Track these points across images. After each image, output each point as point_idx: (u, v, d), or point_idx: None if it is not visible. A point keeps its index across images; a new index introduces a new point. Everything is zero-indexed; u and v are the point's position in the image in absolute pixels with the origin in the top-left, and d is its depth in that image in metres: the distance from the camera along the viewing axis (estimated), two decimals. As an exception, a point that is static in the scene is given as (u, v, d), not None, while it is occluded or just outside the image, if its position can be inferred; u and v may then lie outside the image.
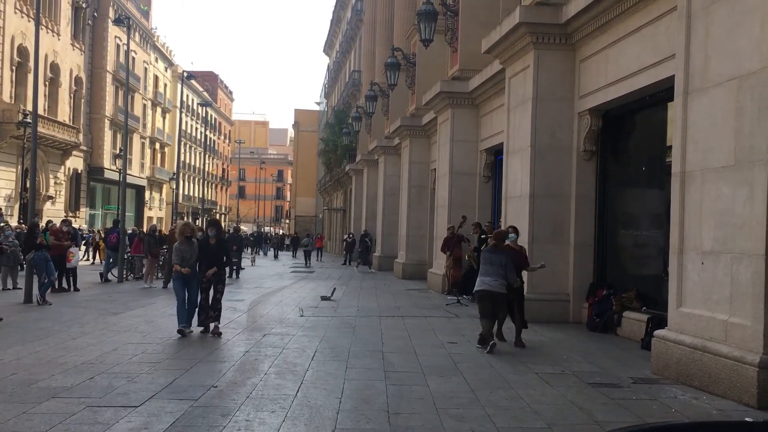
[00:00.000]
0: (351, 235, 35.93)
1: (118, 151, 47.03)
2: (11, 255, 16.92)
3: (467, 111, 18.59)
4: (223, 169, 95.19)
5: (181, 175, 50.96)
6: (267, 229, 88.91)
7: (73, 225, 20.69)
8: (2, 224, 19.07)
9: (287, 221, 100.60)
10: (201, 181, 72.32)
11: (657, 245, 10.73)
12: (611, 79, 11.24)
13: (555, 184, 12.46)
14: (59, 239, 16.61)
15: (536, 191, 12.42)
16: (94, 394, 6.64)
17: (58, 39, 40.29)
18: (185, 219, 51.43)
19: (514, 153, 13.31)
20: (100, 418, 5.84)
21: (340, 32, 58.47)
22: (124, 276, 20.46)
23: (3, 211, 31.45)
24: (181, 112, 42.76)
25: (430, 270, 20.89)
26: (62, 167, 41.83)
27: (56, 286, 15.82)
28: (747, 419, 5.81)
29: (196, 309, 10.72)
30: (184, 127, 61.29)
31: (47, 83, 39.01)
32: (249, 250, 40.02)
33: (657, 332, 8.16)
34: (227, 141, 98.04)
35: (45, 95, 38.32)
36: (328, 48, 70.22)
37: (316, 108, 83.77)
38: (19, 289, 15.86)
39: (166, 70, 64.90)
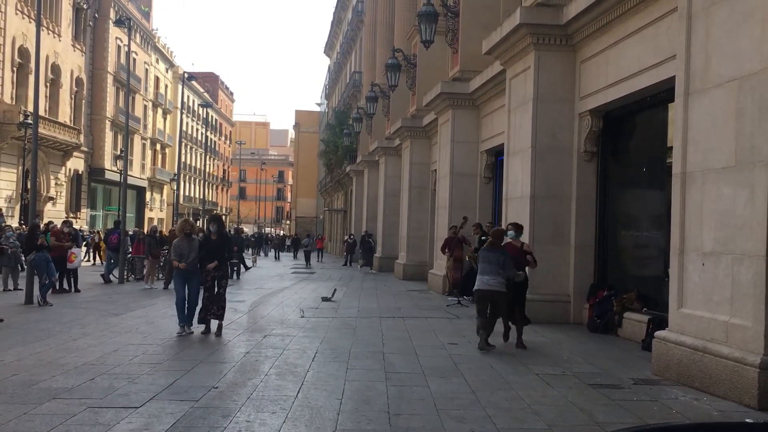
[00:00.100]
0: (351, 236, 35.95)
1: (118, 152, 47.04)
2: (12, 256, 16.95)
3: (468, 112, 18.59)
4: (224, 170, 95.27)
5: (181, 176, 50.93)
6: (268, 230, 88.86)
7: (73, 226, 20.70)
8: (3, 225, 19.08)
9: (288, 222, 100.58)
10: (202, 182, 72.34)
11: (658, 246, 10.73)
12: (612, 80, 11.24)
13: (555, 185, 12.45)
14: (60, 240, 16.62)
15: (537, 192, 12.42)
16: (94, 395, 6.65)
17: (59, 40, 40.30)
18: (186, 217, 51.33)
19: (515, 154, 13.32)
20: (101, 419, 5.84)
21: (341, 33, 58.45)
22: (125, 277, 20.49)
23: (4, 212, 31.48)
24: (181, 113, 42.82)
25: (430, 271, 20.89)
26: (63, 168, 41.86)
27: (57, 287, 15.84)
28: (747, 420, 5.79)
29: (197, 308, 10.74)
30: (184, 128, 61.40)
31: (48, 84, 39.05)
32: (250, 251, 40.01)
33: (658, 333, 8.17)
34: (228, 142, 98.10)
35: (46, 96, 38.35)
36: (328, 49, 70.23)
37: (317, 109, 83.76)
38: (20, 290, 15.87)
39: (166, 71, 64.95)
